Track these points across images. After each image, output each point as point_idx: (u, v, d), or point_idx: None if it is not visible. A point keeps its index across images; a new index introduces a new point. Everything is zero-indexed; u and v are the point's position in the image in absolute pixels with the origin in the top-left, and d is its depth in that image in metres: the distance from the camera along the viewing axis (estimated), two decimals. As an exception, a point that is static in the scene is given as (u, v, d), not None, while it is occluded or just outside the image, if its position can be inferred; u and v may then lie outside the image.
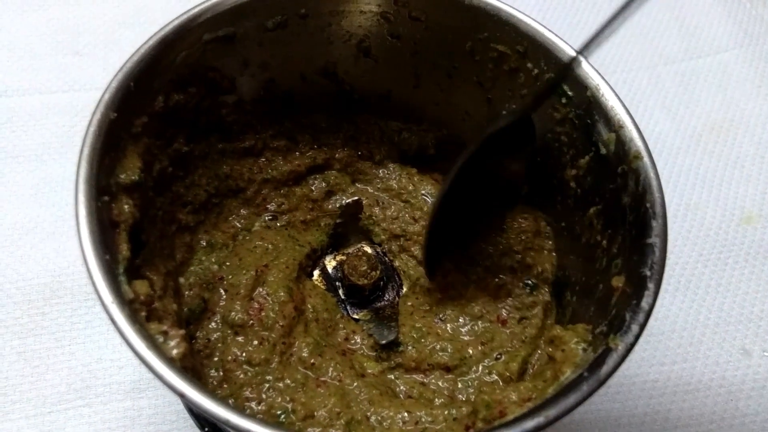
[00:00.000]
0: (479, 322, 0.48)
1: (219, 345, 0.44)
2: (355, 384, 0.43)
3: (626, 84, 0.78)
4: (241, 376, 0.42)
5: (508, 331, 0.47)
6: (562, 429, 0.57)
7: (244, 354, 0.43)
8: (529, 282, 0.49)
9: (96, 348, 0.58)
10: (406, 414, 0.40)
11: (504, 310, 0.48)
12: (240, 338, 0.44)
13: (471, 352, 0.46)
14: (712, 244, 0.67)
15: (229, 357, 0.42)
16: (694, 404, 0.59)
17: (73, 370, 0.57)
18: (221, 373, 0.43)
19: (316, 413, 0.40)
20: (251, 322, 0.45)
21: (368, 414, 0.40)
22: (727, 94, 0.78)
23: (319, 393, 0.42)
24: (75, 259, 0.62)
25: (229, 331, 0.44)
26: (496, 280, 0.49)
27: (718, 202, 0.70)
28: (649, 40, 0.82)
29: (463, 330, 0.47)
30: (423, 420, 0.39)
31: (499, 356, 0.45)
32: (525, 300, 0.48)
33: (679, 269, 0.66)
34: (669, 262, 0.65)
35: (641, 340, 0.60)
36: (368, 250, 0.53)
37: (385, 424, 0.40)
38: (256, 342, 0.44)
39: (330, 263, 0.54)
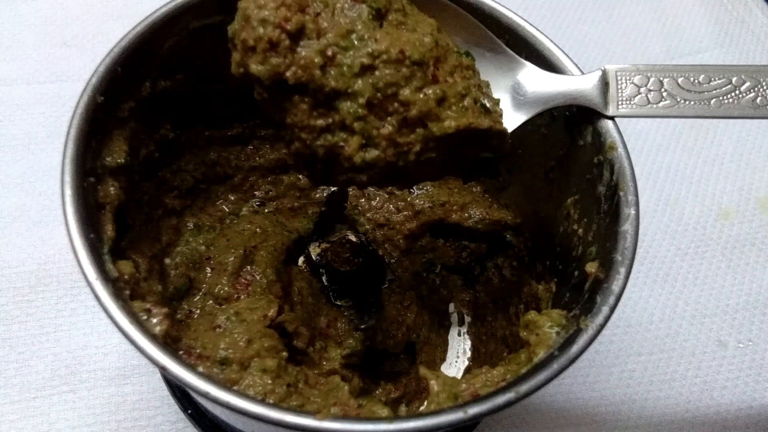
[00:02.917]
0: None
1: (199, 313, 0.44)
2: None
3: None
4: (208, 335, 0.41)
5: None
6: (542, 416, 0.58)
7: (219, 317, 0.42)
8: None
9: (81, 335, 0.58)
10: None
11: None
12: (224, 306, 0.44)
13: None
14: (690, 238, 0.69)
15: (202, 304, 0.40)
16: (670, 393, 0.60)
17: (58, 356, 0.57)
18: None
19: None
20: (237, 295, 0.45)
21: None
22: (707, 93, 0.80)
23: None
24: (61, 247, 0.62)
25: (211, 302, 0.44)
26: None
27: (696, 198, 0.72)
28: (631, 40, 0.84)
29: None
30: None
31: None
32: None
33: (658, 262, 0.67)
34: (647, 255, 0.67)
35: (619, 331, 0.63)
36: (352, 238, 0.54)
37: None
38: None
39: (315, 250, 0.54)
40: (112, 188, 0.38)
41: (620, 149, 0.40)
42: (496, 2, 0.46)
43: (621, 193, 0.39)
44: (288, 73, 0.33)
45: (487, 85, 0.39)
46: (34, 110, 0.71)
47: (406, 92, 0.33)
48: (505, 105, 0.41)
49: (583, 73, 0.43)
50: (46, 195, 0.65)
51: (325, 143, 0.34)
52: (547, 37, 0.44)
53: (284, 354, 0.41)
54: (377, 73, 0.33)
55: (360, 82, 0.33)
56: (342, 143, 0.34)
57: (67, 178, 0.34)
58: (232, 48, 0.35)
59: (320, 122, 0.34)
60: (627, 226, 0.38)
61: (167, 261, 0.47)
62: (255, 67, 0.33)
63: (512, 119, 0.41)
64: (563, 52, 0.43)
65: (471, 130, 0.35)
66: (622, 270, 0.36)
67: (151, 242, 0.44)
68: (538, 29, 0.45)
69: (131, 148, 0.41)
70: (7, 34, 0.76)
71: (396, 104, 0.34)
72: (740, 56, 0.83)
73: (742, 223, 0.70)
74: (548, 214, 0.49)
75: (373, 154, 0.34)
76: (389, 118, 0.34)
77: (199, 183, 0.51)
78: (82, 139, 0.36)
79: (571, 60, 0.43)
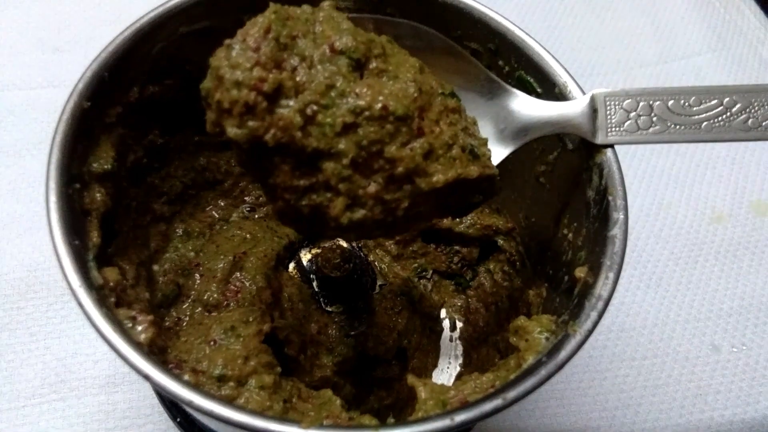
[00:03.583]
0: None
1: (188, 321, 0.43)
2: None
3: (601, 86, 0.79)
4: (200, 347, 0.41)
5: None
6: (535, 422, 0.58)
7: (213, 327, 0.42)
8: None
9: (71, 343, 0.58)
10: None
11: None
12: (213, 314, 0.44)
13: None
14: (683, 242, 0.69)
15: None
16: (664, 399, 0.60)
17: (47, 364, 0.57)
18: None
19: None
20: (226, 302, 0.45)
21: None
22: (700, 97, 0.80)
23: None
24: (51, 254, 0.61)
25: (200, 309, 0.44)
26: None
27: (689, 201, 0.72)
28: (624, 44, 0.84)
29: None
30: None
31: None
32: None
33: (651, 267, 0.67)
34: (641, 260, 0.67)
35: (612, 335, 0.62)
36: (343, 244, 0.54)
37: None
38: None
39: (305, 256, 0.54)
40: (98, 194, 0.38)
41: (609, 153, 0.40)
42: (486, 7, 0.46)
43: (610, 198, 0.39)
44: (267, 136, 0.31)
45: (474, 122, 0.38)
46: (26, 116, 0.71)
47: (391, 149, 0.32)
48: (491, 137, 0.40)
49: (573, 78, 0.43)
50: (37, 202, 0.65)
51: (309, 203, 0.33)
52: (538, 42, 0.44)
53: (278, 369, 0.41)
54: (360, 131, 0.32)
55: (343, 141, 0.31)
56: (327, 203, 0.33)
57: (52, 185, 0.34)
58: (205, 106, 0.33)
59: (303, 182, 0.32)
60: (616, 231, 0.37)
61: (155, 267, 0.46)
62: (231, 131, 0.31)
63: (498, 152, 0.40)
64: (554, 57, 0.43)
65: (460, 180, 0.34)
66: (611, 275, 0.35)
67: (139, 249, 0.44)
68: (528, 34, 0.45)
69: (119, 154, 0.41)
70: (-1, 40, 0.76)
71: (381, 161, 0.32)
72: (733, 60, 0.83)
73: (735, 227, 0.70)
74: (539, 218, 0.49)
75: (359, 213, 0.33)
76: (375, 176, 0.32)
77: (188, 189, 0.51)
78: (68, 145, 0.36)
79: (562, 66, 0.43)
